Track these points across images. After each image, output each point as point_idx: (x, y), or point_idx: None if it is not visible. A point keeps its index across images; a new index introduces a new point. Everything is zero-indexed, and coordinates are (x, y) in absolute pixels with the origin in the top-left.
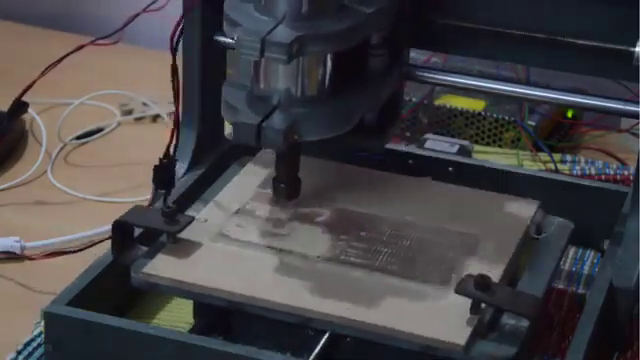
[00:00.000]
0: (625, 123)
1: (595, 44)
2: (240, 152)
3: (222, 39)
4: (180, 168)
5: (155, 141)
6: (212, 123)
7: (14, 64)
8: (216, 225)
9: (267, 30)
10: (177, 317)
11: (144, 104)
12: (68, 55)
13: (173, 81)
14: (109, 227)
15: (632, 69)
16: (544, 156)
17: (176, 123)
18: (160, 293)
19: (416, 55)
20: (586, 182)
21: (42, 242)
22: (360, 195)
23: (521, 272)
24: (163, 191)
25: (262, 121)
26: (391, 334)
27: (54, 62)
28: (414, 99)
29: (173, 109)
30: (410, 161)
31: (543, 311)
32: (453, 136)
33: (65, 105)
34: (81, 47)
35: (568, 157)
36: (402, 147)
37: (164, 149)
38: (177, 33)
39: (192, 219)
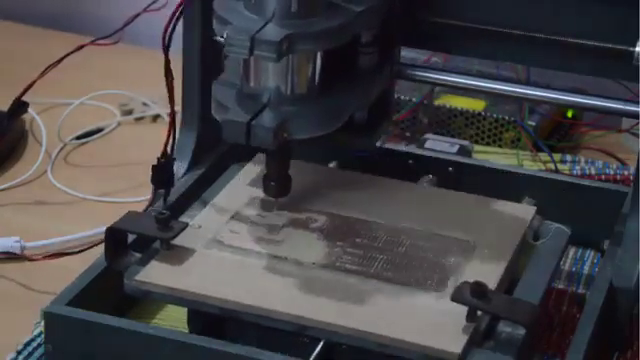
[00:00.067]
0: (625, 123)
1: (595, 44)
2: (240, 152)
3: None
4: (180, 168)
5: (155, 141)
6: (212, 123)
7: (14, 64)
8: (210, 231)
9: (256, 28)
10: (177, 317)
11: (144, 104)
12: (68, 55)
13: (167, 79)
14: None
15: (632, 69)
16: (544, 156)
17: (171, 121)
18: (153, 300)
19: (416, 55)
20: (586, 182)
21: (42, 242)
22: (355, 201)
23: (518, 279)
24: (163, 191)
25: (252, 119)
26: (386, 342)
27: (54, 62)
28: (414, 99)
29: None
30: (410, 161)
31: (540, 319)
32: (453, 136)
33: (65, 105)
34: (81, 47)
35: (568, 157)
36: (402, 147)
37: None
38: (169, 30)
39: (186, 225)
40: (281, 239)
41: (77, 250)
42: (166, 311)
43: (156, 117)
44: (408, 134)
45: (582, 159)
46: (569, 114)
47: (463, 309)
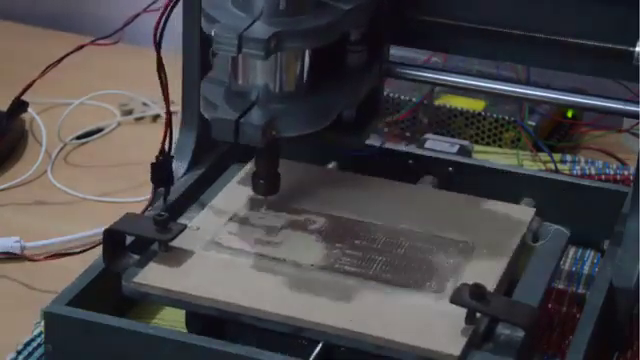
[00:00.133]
0: (625, 123)
1: (595, 44)
2: (240, 152)
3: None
4: (180, 168)
5: (155, 141)
6: None
7: (14, 64)
8: (209, 233)
9: (245, 26)
10: (177, 317)
11: (144, 104)
12: (68, 55)
13: (159, 76)
14: None
15: (632, 69)
16: (544, 156)
17: (168, 118)
18: (151, 302)
19: (416, 55)
20: (586, 182)
21: (42, 242)
22: (354, 202)
23: (517, 281)
24: (162, 189)
25: (240, 117)
26: (385, 344)
27: (54, 62)
28: (414, 99)
29: (173, 109)
30: (410, 161)
31: (539, 321)
32: (453, 136)
33: (65, 105)
34: (81, 47)
35: (568, 157)
36: (402, 147)
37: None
38: (160, 27)
39: (184, 227)
40: (279, 241)
41: (77, 250)
42: (166, 311)
43: (156, 117)
44: (408, 134)
45: (582, 159)
46: (569, 114)
47: (462, 311)
